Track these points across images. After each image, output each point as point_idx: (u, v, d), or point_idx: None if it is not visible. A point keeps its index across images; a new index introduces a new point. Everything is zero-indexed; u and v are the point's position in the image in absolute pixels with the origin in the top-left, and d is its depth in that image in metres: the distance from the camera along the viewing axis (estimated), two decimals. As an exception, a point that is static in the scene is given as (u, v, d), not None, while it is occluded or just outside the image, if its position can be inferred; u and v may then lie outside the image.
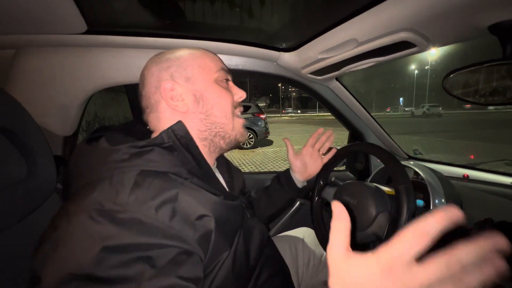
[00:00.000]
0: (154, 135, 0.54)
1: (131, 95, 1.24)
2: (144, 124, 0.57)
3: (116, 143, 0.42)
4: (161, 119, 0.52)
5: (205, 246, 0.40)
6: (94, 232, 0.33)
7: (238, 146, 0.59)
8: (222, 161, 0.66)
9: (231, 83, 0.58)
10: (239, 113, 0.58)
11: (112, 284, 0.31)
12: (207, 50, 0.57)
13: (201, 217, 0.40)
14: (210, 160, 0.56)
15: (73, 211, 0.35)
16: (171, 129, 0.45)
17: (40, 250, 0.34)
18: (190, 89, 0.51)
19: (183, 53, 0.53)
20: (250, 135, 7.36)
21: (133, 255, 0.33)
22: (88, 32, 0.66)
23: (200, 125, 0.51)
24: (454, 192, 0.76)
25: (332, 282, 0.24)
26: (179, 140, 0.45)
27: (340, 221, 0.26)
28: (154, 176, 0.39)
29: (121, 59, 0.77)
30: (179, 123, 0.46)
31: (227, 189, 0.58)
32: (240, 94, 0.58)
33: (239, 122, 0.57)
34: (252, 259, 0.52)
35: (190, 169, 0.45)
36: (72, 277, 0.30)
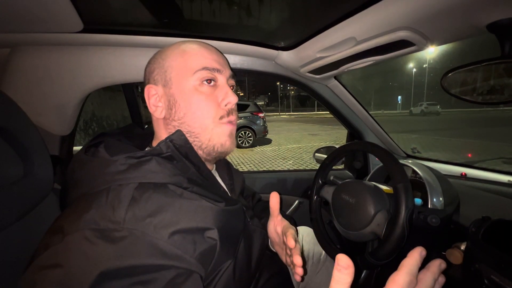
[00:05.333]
0: (154, 137, 0.54)
1: (128, 94, 1.23)
2: (142, 125, 0.57)
3: (115, 152, 0.41)
4: (152, 122, 0.52)
5: (207, 261, 0.39)
6: (89, 254, 0.31)
7: (225, 155, 0.53)
8: (222, 163, 0.65)
9: (220, 83, 0.50)
10: (226, 121, 0.50)
11: None
12: (200, 43, 0.51)
13: (202, 231, 0.39)
14: (209, 165, 0.54)
15: (68, 230, 0.33)
16: (169, 139, 0.43)
17: (31, 269, 0.32)
18: (167, 93, 0.48)
19: (169, 52, 0.50)
20: (248, 133, 7.36)
21: (130, 280, 0.31)
22: (84, 31, 0.65)
23: None
24: (452, 190, 0.77)
25: None
26: (178, 150, 0.44)
27: (346, 274, 0.25)
28: (153, 190, 0.38)
29: (118, 58, 0.77)
30: (178, 132, 0.45)
31: (228, 193, 0.57)
32: (227, 99, 0.49)
33: (222, 129, 0.49)
34: (253, 263, 0.52)
35: (190, 177, 0.44)
36: None
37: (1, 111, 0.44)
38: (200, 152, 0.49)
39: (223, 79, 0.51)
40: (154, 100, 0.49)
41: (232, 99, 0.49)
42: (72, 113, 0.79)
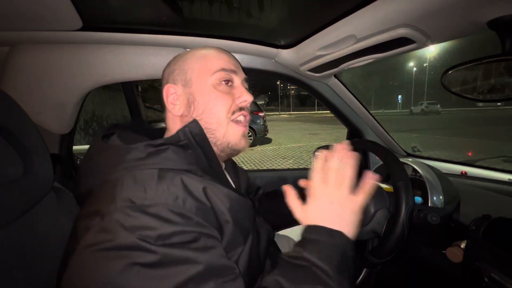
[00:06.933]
0: (166, 133, 0.56)
1: (128, 93, 1.23)
2: (144, 122, 0.58)
3: (130, 142, 0.43)
4: (167, 119, 0.55)
5: (221, 238, 0.42)
6: (131, 226, 0.33)
7: (238, 153, 0.56)
8: (229, 162, 0.67)
9: (237, 84, 0.54)
10: (241, 118, 0.54)
11: (174, 264, 0.32)
12: (218, 48, 0.56)
13: (220, 209, 0.42)
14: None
15: (105, 211, 0.35)
16: (187, 127, 0.46)
17: (77, 252, 0.34)
18: (186, 92, 0.51)
19: (190, 55, 0.54)
20: (249, 133, 7.32)
21: (170, 241, 0.34)
22: (83, 29, 0.65)
23: None
24: (452, 189, 0.77)
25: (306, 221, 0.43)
26: (194, 138, 0.46)
27: (294, 200, 0.44)
28: (174, 172, 0.41)
29: (118, 56, 0.77)
30: (194, 121, 0.47)
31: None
32: (243, 97, 0.53)
33: (236, 129, 0.52)
34: (262, 258, 0.54)
35: (203, 168, 0.46)
36: (129, 268, 0.31)
37: (1, 110, 0.44)
38: (214, 149, 0.52)
39: (238, 80, 0.55)
40: (172, 98, 0.52)
41: (248, 98, 0.53)
42: (71, 112, 0.79)
